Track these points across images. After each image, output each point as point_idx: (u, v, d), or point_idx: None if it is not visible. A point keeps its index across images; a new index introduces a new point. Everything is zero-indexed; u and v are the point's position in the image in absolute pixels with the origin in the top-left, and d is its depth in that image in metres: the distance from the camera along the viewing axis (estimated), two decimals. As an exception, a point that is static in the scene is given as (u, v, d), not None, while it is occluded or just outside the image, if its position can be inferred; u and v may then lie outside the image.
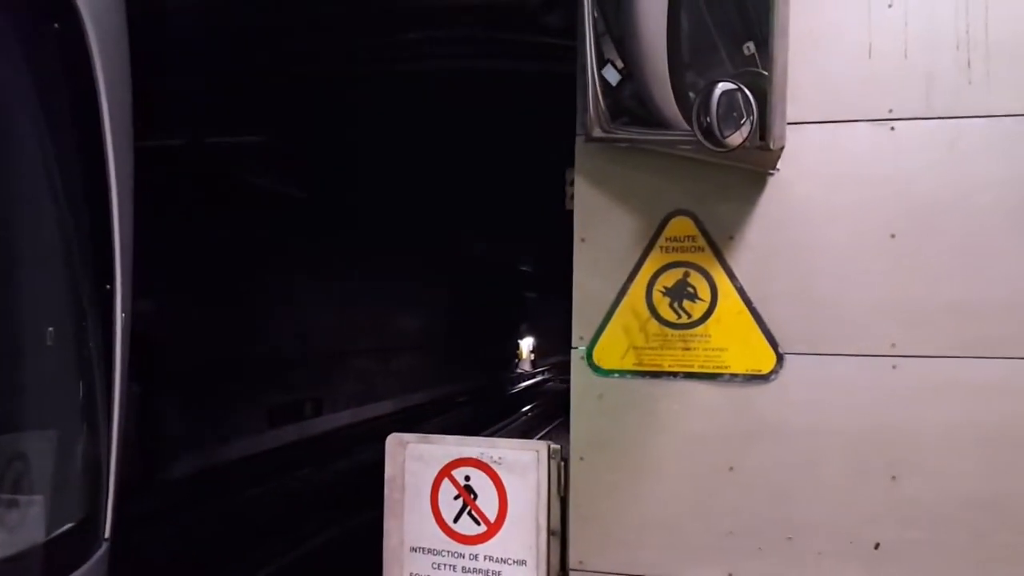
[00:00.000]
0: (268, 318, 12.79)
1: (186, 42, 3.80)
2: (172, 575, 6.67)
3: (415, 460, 2.80)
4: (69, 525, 2.26)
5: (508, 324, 28.74)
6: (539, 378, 30.78)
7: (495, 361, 27.21)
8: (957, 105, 2.34)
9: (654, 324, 2.48)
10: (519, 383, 28.64)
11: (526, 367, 32.26)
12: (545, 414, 19.28)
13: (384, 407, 17.50)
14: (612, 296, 2.51)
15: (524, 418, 19.40)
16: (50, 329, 2.31)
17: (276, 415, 13.16)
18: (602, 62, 2.39)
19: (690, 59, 2.24)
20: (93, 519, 2.36)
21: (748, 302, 2.41)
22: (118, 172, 2.36)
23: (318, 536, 8.33)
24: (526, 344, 32.28)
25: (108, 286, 2.47)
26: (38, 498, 2.18)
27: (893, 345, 2.31)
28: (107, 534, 2.41)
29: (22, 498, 2.10)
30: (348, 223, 12.71)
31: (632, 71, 2.32)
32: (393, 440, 2.85)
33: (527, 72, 4.32)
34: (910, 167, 2.35)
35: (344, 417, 15.66)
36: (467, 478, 2.73)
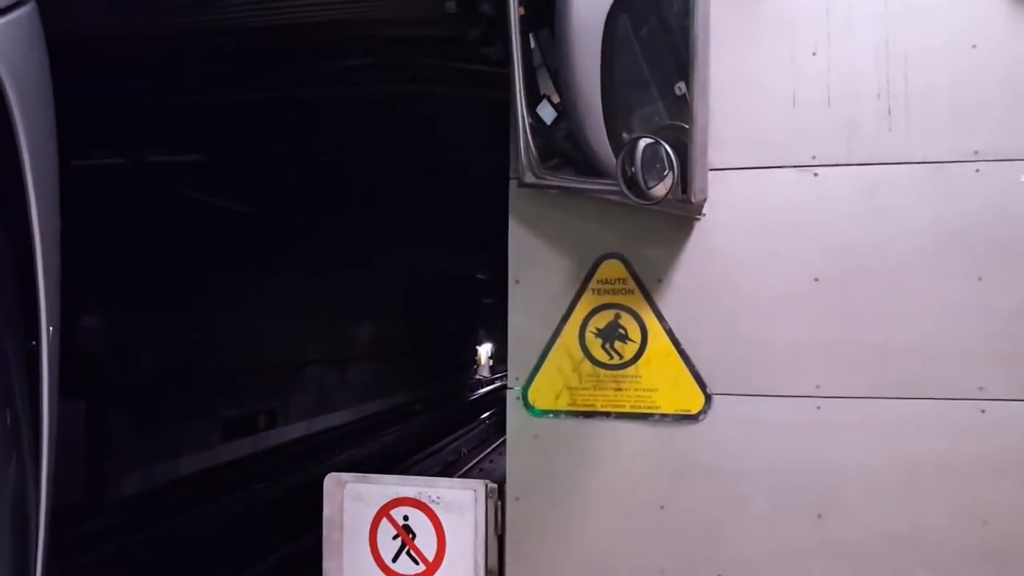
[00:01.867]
0: (219, 330, 12.58)
1: (112, 70, 3.75)
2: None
3: (354, 500, 2.80)
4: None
5: (466, 331, 28.73)
6: (498, 383, 30.82)
7: (453, 368, 27.17)
8: (877, 152, 2.43)
9: (587, 365, 2.52)
10: (478, 389, 28.63)
11: (485, 373, 32.28)
12: (502, 422, 19.27)
13: (341, 417, 17.34)
14: (546, 337, 2.55)
15: (482, 425, 19.39)
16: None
17: (229, 428, 12.94)
18: (536, 98, 2.42)
19: (623, 96, 2.28)
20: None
21: (676, 343, 2.46)
22: (38, 189, 2.31)
23: (272, 555, 8.22)
24: (484, 350, 32.30)
25: (31, 311, 2.40)
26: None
27: (817, 387, 2.38)
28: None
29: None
30: (299, 235, 12.58)
31: (567, 107, 2.35)
32: (331, 480, 2.84)
33: (474, 96, 4.32)
34: (833, 212, 2.43)
35: (299, 429, 15.47)
36: (406, 517, 2.74)
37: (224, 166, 8.81)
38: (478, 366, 31.68)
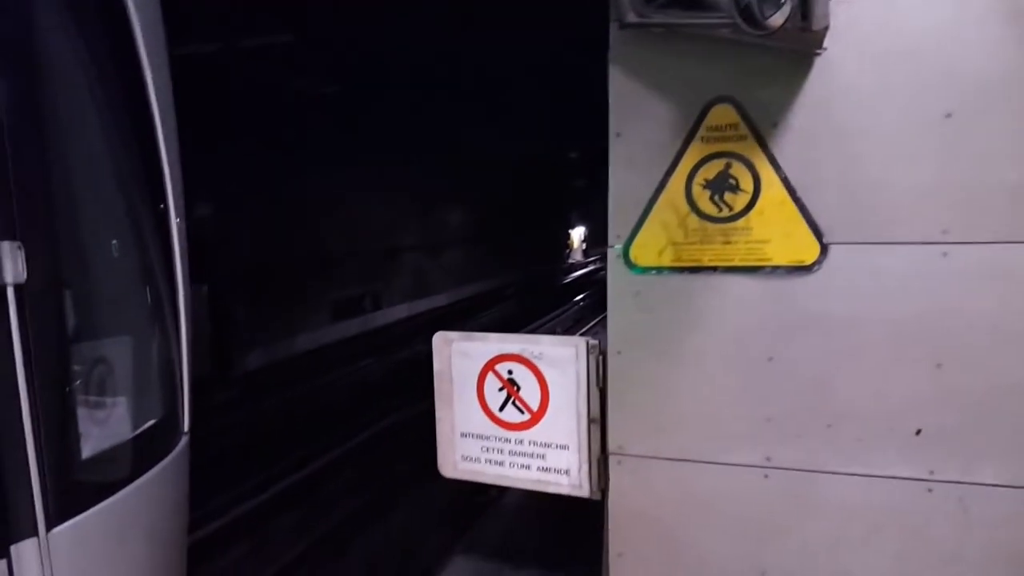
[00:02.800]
0: (323, 217, 13.02)
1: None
2: (249, 458, 7.19)
3: (460, 356, 2.91)
4: (151, 422, 2.46)
5: (559, 214, 28.59)
6: (591, 267, 30.85)
7: (546, 252, 27.31)
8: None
9: (693, 219, 2.46)
10: (571, 273, 28.79)
11: (578, 257, 32.31)
12: (596, 304, 19.44)
13: (438, 300, 17.90)
14: (650, 192, 2.48)
15: (576, 307, 19.61)
16: (113, 243, 2.44)
17: (338, 310, 13.63)
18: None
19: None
20: (172, 415, 2.57)
21: (792, 191, 2.35)
22: (158, 92, 2.41)
23: (383, 420, 8.80)
24: (577, 234, 32.18)
25: (161, 204, 2.57)
26: (121, 399, 2.37)
27: (944, 232, 2.24)
28: (186, 428, 2.63)
29: (107, 399, 2.28)
30: (393, 121, 12.61)
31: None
32: (439, 338, 2.96)
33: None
34: (970, 37, 2.20)
35: (401, 311, 16.10)
36: (510, 372, 2.84)
37: (318, 50, 8.82)
38: (571, 250, 31.72)
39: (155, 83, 2.42)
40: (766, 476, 2.45)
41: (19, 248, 1.66)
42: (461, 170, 18.32)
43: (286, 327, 12.09)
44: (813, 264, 2.36)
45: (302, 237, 12.42)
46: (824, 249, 2.35)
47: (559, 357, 2.76)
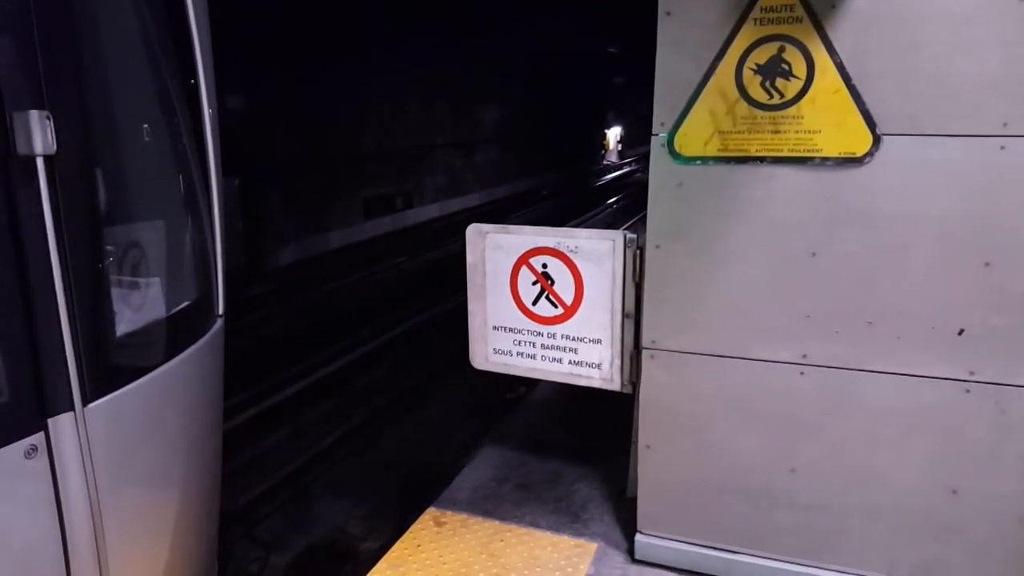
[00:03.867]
0: (356, 115, 12.83)
1: None
2: (281, 352, 7.38)
3: (494, 249, 2.88)
4: (185, 303, 2.49)
5: (594, 113, 27.86)
6: (626, 169, 30.29)
7: (580, 152, 26.80)
8: None
9: (743, 106, 2.33)
10: (605, 175, 28.33)
11: (613, 158, 31.67)
12: (631, 206, 19.21)
13: (469, 200, 17.79)
14: (698, 77, 2.35)
15: (609, 210, 19.40)
16: (145, 126, 2.41)
17: (369, 208, 13.63)
18: None
19: None
20: (206, 298, 2.60)
21: (847, 79, 2.21)
22: None
23: (414, 317, 8.93)
24: (613, 134, 31.42)
25: (192, 81, 2.52)
26: (155, 280, 2.40)
27: (1005, 124, 2.10)
28: (220, 311, 2.66)
29: (141, 280, 2.30)
30: (424, 18, 12.16)
31: None
32: (473, 230, 2.91)
33: None
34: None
35: (432, 210, 16.07)
36: (544, 265, 2.81)
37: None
38: (606, 151, 31.09)
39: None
40: (802, 373, 2.42)
41: (48, 118, 1.63)
42: (495, 68, 17.79)
43: (318, 224, 12.15)
44: (864, 156, 2.24)
45: (334, 134, 12.29)
46: (877, 140, 2.22)
47: (595, 251, 2.72)
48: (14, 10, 1.62)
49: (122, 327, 2.06)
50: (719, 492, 2.63)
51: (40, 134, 1.61)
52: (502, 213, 16.90)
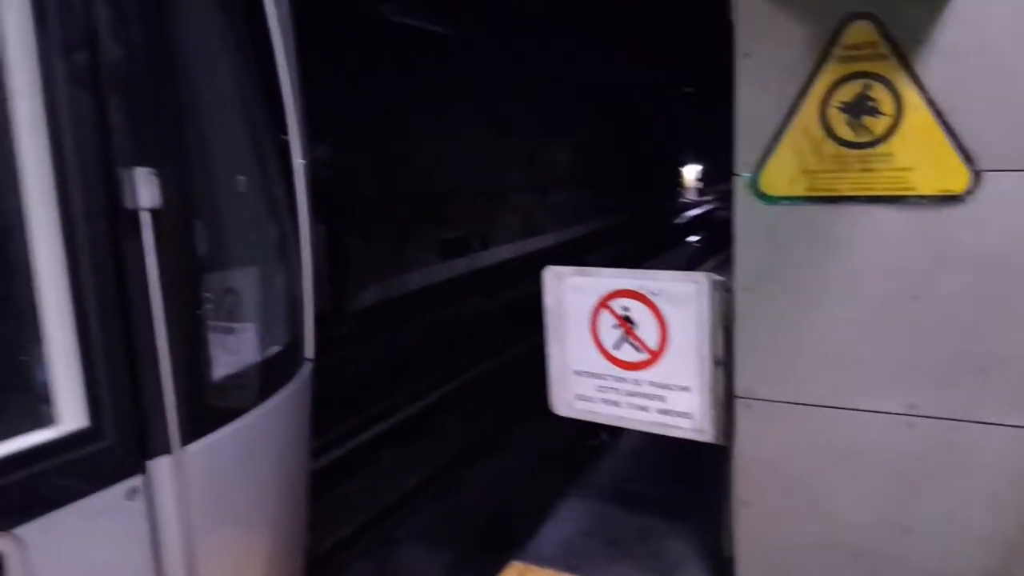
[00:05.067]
0: (432, 158, 13.15)
1: None
2: (364, 392, 7.50)
3: (573, 292, 2.86)
4: (277, 347, 2.57)
5: (671, 151, 27.69)
6: (706, 207, 29.86)
7: (658, 190, 26.60)
8: None
9: (829, 144, 2.26)
10: (684, 212, 27.98)
11: (691, 195, 31.29)
12: (712, 245, 18.86)
13: (544, 241, 17.87)
14: (781, 116, 2.30)
15: (689, 249, 19.10)
16: (240, 178, 2.53)
17: (447, 249, 13.85)
18: None
19: None
20: (296, 341, 2.68)
21: (939, 114, 2.12)
22: (282, 32, 2.45)
23: (492, 359, 8.96)
24: (691, 171, 31.10)
25: (283, 135, 2.64)
26: (249, 325, 2.49)
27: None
28: (310, 354, 2.74)
29: (236, 325, 2.40)
30: (498, 59, 12.45)
31: None
32: (550, 274, 2.91)
33: None
34: None
35: (507, 251, 16.20)
36: (626, 308, 2.77)
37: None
38: (684, 188, 30.77)
39: (278, 23, 2.46)
40: (910, 425, 2.28)
41: (154, 175, 1.73)
42: (571, 107, 17.97)
43: (397, 266, 12.42)
44: (964, 193, 2.13)
45: (412, 178, 12.61)
46: (976, 177, 2.11)
47: (680, 294, 2.66)
48: (125, 74, 1.74)
49: (217, 371, 2.14)
50: (825, 553, 2.48)
51: (146, 190, 1.72)
52: (579, 253, 16.87)
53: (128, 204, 1.72)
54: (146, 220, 1.73)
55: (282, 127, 2.62)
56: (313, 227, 2.86)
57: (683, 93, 21.10)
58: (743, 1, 2.31)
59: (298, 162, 2.70)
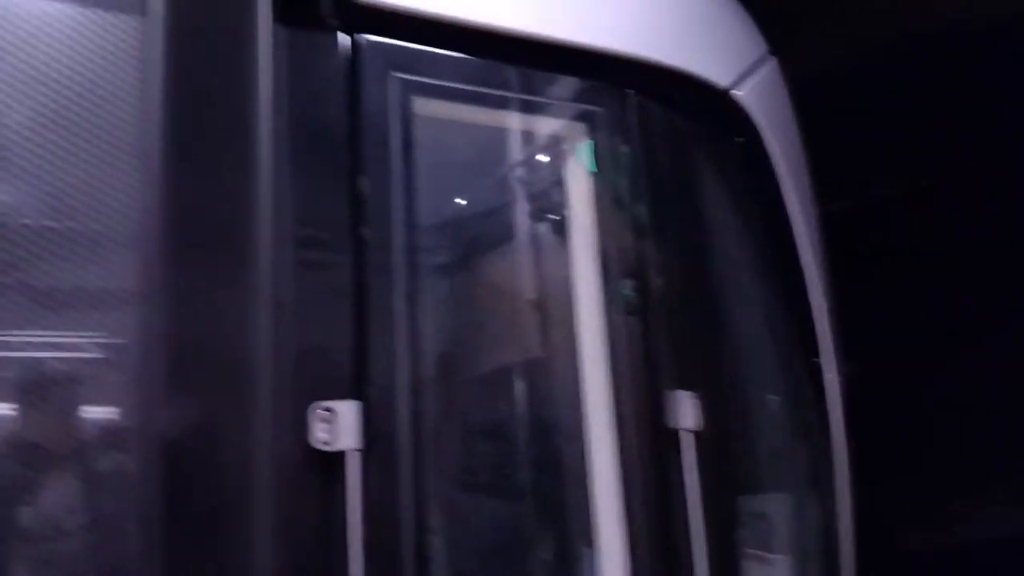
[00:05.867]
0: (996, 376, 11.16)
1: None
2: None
3: None
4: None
5: None
6: None
7: None
8: None
9: None
10: None
11: None
12: None
13: None
14: None
15: None
16: (773, 398, 2.53)
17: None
18: None
19: None
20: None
21: None
22: (812, 252, 2.50)
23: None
24: None
25: (815, 358, 2.57)
26: (780, 558, 2.34)
27: None
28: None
29: (768, 555, 2.28)
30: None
31: None
32: None
33: None
34: None
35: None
36: None
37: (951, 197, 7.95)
38: None
39: (806, 241, 2.51)
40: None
41: (695, 398, 1.84)
42: None
43: (953, 509, 10.37)
44: None
45: (984, 401, 10.79)
46: None
47: None
48: (668, 303, 1.94)
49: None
50: None
51: (689, 412, 1.83)
52: None
53: (671, 424, 1.85)
54: (688, 440, 1.82)
55: (813, 346, 2.56)
56: (850, 451, 2.64)
57: None
58: None
59: (830, 377, 2.57)
